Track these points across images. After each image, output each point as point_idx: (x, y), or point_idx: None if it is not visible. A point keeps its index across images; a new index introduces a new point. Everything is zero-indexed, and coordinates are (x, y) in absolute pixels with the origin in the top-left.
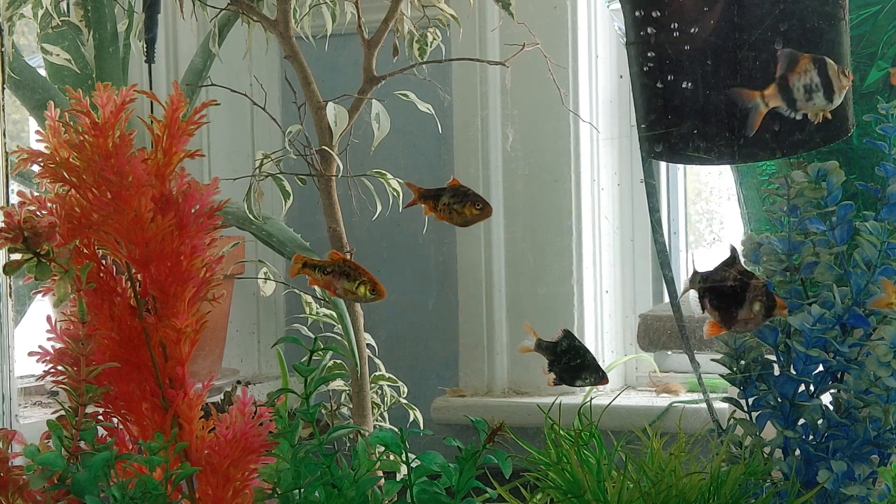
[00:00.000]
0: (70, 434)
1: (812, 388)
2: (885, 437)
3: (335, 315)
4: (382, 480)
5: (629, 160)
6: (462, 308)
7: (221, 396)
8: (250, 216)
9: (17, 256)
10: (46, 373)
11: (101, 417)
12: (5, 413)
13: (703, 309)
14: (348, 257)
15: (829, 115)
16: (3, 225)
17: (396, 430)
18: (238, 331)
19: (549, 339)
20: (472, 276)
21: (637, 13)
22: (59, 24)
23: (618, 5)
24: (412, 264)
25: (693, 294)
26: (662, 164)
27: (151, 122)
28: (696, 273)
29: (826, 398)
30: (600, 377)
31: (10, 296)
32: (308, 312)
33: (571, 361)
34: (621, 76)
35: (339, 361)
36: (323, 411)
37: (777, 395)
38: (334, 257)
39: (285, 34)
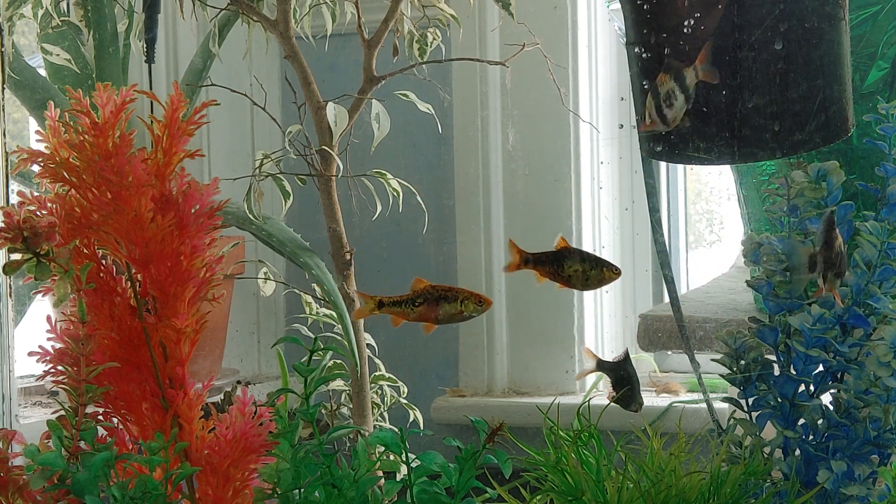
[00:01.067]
0: (70, 434)
1: (812, 388)
2: (885, 437)
3: (335, 315)
4: (382, 480)
5: (629, 160)
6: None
7: (221, 396)
8: (250, 216)
9: (16, 256)
10: (46, 373)
11: (101, 417)
12: (5, 413)
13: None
14: (347, 257)
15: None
16: (2, 225)
17: (396, 430)
18: (238, 331)
19: (611, 360)
20: (472, 276)
21: (637, 13)
22: (59, 24)
23: (618, 5)
24: (412, 264)
25: (693, 295)
26: (662, 164)
27: (151, 122)
28: (813, 257)
29: (826, 398)
30: (639, 405)
31: (10, 296)
32: (308, 312)
33: (627, 385)
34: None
35: (339, 361)
36: (323, 411)
37: (777, 395)
38: (419, 286)
39: (285, 34)
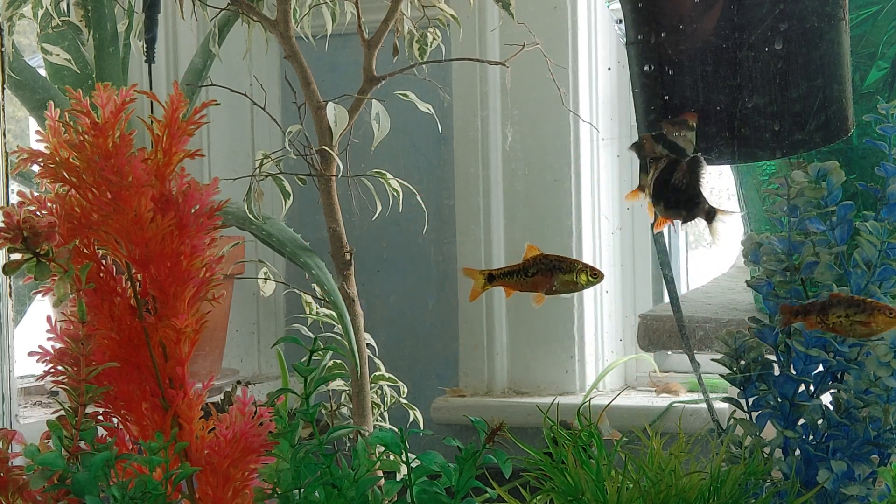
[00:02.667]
0: (70, 434)
1: (812, 388)
2: (885, 437)
3: (335, 315)
4: (382, 480)
5: (629, 160)
6: (462, 308)
7: (221, 396)
8: (250, 216)
9: (16, 256)
10: (46, 373)
11: (101, 417)
12: (5, 413)
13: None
14: (347, 257)
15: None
16: (2, 225)
17: (396, 430)
18: (238, 331)
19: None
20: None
21: (637, 13)
22: (59, 24)
23: (618, 5)
24: (412, 264)
25: (693, 295)
26: None
27: (151, 122)
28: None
29: (826, 398)
30: None
31: (10, 296)
32: (308, 312)
33: None
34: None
35: (339, 361)
36: (323, 411)
37: (777, 395)
38: (531, 254)
39: (285, 34)
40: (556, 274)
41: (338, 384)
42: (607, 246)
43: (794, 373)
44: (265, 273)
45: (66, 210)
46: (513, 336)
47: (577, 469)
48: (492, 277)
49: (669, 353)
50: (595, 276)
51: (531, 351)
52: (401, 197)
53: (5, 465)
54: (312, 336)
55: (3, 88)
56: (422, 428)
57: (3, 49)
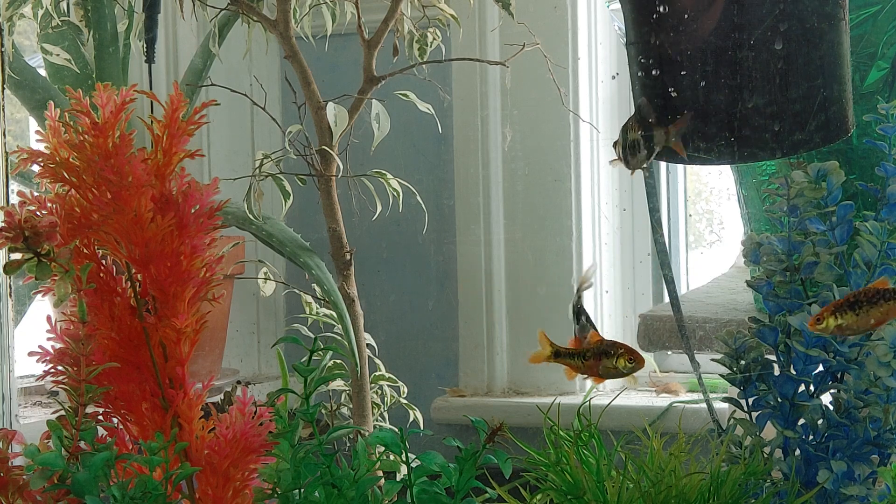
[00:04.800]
0: (70, 434)
1: (812, 388)
2: (885, 437)
3: (335, 315)
4: (382, 480)
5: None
6: (462, 308)
7: (221, 396)
8: (250, 216)
9: (17, 256)
10: (46, 373)
11: (101, 417)
12: (5, 413)
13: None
14: (347, 257)
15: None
16: (3, 225)
17: (396, 430)
18: (238, 331)
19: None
20: (472, 276)
21: (637, 13)
22: (59, 24)
23: (618, 5)
24: (412, 264)
25: (693, 295)
26: (662, 164)
27: (151, 122)
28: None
29: (826, 398)
30: None
31: (10, 296)
32: (308, 312)
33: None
34: (616, 75)
35: (339, 361)
36: (323, 411)
37: (777, 395)
38: (594, 339)
39: (285, 34)
40: (602, 358)
41: (338, 384)
42: (607, 246)
43: (794, 373)
44: (265, 273)
45: (67, 210)
46: (513, 336)
47: (578, 469)
48: (558, 354)
49: (669, 353)
50: (633, 361)
51: (531, 351)
52: (401, 197)
53: (5, 465)
54: (312, 336)
55: (3, 88)
56: (422, 428)
57: (3, 49)
